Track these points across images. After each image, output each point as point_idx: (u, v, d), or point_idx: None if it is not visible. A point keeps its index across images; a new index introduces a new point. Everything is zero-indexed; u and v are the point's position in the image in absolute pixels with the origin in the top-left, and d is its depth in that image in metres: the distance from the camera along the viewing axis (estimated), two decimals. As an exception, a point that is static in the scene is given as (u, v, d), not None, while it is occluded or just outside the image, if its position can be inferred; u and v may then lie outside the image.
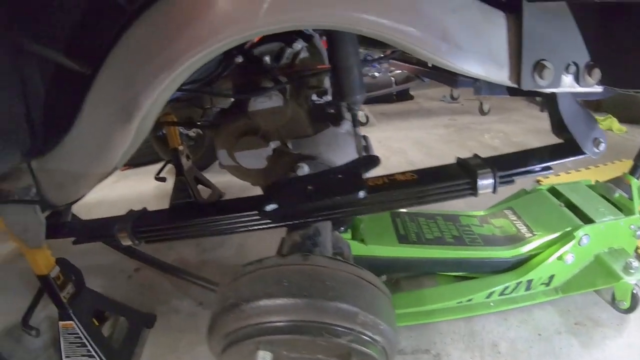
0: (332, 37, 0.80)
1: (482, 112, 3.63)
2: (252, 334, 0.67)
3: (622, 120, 2.89)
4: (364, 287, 0.72)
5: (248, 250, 1.92)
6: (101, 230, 1.05)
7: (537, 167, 0.98)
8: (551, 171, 1.02)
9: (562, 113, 1.00)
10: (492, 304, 1.32)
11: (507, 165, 0.92)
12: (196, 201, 2.10)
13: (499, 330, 1.33)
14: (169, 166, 2.52)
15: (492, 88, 1.01)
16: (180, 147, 2.14)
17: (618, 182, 1.44)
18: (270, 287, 0.67)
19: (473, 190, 0.89)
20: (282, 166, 1.00)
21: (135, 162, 3.33)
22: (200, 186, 2.34)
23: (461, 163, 0.93)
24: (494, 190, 0.90)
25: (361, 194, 0.81)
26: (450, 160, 1.02)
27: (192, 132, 2.86)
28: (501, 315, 1.36)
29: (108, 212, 1.18)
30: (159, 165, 2.92)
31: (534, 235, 1.35)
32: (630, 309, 1.30)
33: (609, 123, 2.89)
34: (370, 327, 0.68)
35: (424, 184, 0.87)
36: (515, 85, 0.85)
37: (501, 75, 0.84)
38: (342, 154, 1.02)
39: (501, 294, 1.32)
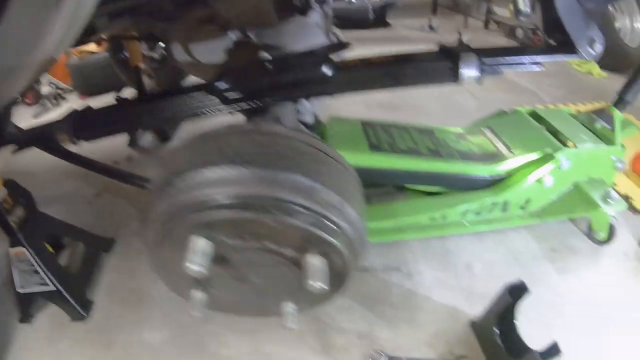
0: None
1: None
2: (185, 213, 0.56)
3: (602, 68, 2.83)
4: (329, 163, 0.61)
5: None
6: (41, 133, 0.92)
7: (526, 59, 0.89)
8: (541, 68, 0.94)
9: (557, 8, 0.92)
10: (466, 223, 1.27)
11: (495, 54, 0.82)
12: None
13: (474, 252, 1.29)
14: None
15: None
16: (142, 66, 1.97)
17: (600, 113, 1.39)
18: (207, 155, 0.57)
19: (455, 74, 0.80)
20: (243, 58, 0.88)
21: (96, 90, 2.97)
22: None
23: (444, 49, 0.83)
24: (479, 79, 0.81)
25: (325, 68, 0.71)
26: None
27: (156, 55, 2.66)
28: (477, 236, 1.32)
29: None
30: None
31: (513, 154, 1.29)
32: (607, 240, 1.28)
33: (589, 67, 2.84)
34: (334, 210, 0.57)
35: (401, 64, 0.77)
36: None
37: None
38: (311, 46, 0.90)
39: (476, 213, 1.26)
